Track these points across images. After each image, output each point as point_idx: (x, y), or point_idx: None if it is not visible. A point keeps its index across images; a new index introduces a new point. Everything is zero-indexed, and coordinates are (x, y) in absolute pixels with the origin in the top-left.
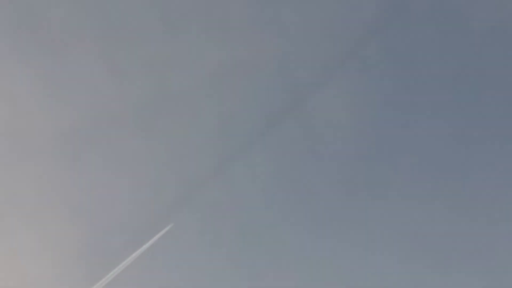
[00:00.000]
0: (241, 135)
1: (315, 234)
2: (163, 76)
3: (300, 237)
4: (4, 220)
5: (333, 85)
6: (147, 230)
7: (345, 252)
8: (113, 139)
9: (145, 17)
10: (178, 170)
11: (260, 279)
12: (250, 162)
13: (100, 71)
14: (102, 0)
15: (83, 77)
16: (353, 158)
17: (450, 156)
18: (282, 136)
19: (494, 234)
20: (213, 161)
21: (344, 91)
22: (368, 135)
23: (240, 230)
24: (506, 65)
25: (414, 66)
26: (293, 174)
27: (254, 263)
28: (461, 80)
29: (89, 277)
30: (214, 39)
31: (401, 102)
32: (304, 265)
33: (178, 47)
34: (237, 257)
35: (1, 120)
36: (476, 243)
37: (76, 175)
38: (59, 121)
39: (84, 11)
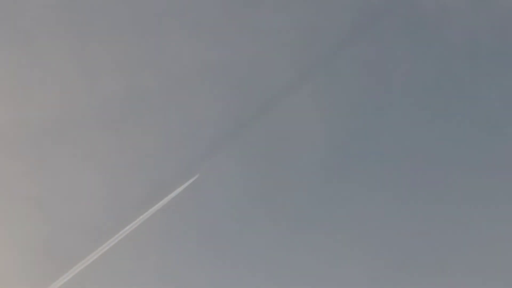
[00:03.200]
0: (209, 139)
1: (281, 242)
2: (134, 75)
3: (266, 245)
4: None
5: (304, 92)
6: (112, 229)
7: (311, 259)
8: (81, 137)
9: (117, 14)
10: (146, 171)
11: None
12: (217, 167)
13: (70, 68)
14: None
15: (52, 73)
16: (321, 166)
17: (418, 166)
18: (251, 142)
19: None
20: (180, 163)
21: (315, 98)
22: (337, 144)
23: (203, 231)
24: (480, 79)
25: (387, 77)
26: (261, 180)
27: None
28: (433, 92)
29: (48, 275)
30: (186, 39)
31: (372, 112)
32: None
33: (150, 46)
34: (195, 261)
35: None
36: (440, 249)
37: (43, 172)
38: (26, 117)
39: (54, 5)
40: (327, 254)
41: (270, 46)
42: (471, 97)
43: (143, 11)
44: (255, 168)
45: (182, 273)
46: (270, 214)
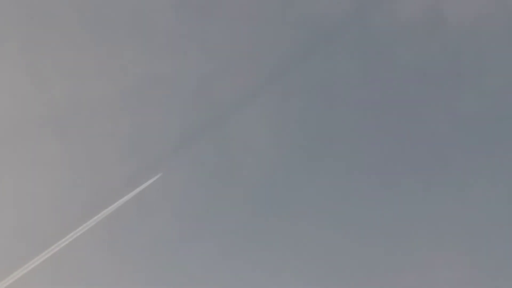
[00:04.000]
0: (155, 151)
1: (223, 255)
2: (83, 83)
3: (209, 258)
4: None
5: (252, 108)
6: (58, 233)
7: (253, 274)
8: (30, 142)
9: (69, 22)
10: (93, 178)
11: None
12: (161, 180)
13: (19, 74)
14: (25, 2)
15: (2, 79)
16: (267, 182)
17: (367, 183)
18: (198, 155)
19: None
20: (125, 172)
21: (263, 115)
22: (284, 161)
23: (144, 239)
24: (427, 100)
25: (336, 96)
26: (205, 195)
27: None
28: (381, 111)
29: None
30: (138, 50)
31: (320, 131)
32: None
33: (101, 55)
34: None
35: None
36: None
37: None
38: None
39: (5, 11)
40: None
41: (220, 62)
42: (418, 118)
43: (96, 19)
44: (203, 182)
45: (124, 279)
46: (211, 228)
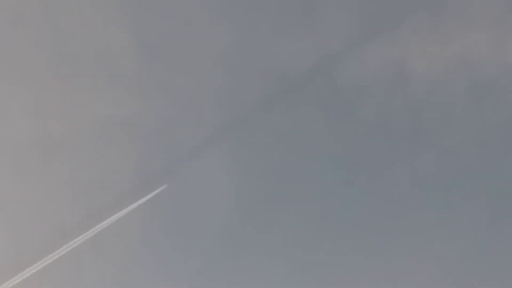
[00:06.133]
0: (115, 193)
1: None
2: (45, 122)
3: None
4: None
5: (214, 153)
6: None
7: None
8: None
9: (32, 60)
10: (47, 218)
11: None
12: (117, 222)
13: None
14: None
15: None
16: (223, 230)
17: (319, 235)
18: (157, 200)
19: None
20: (82, 213)
21: (225, 160)
22: (243, 207)
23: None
24: (390, 158)
25: (297, 147)
26: (164, 241)
27: None
28: (342, 166)
29: None
30: (102, 92)
31: (280, 181)
32: None
33: (64, 95)
34: None
35: None
36: None
37: None
38: None
39: None
40: None
41: (182, 106)
42: (380, 175)
43: (59, 58)
44: (163, 227)
45: None
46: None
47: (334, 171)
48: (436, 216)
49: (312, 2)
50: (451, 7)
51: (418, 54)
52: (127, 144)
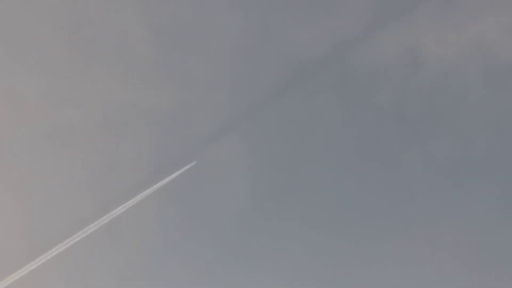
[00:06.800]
0: (129, 180)
1: None
2: (60, 110)
3: None
4: None
5: (229, 141)
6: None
7: None
8: (2, 166)
9: (48, 47)
10: (63, 205)
11: None
12: (131, 209)
13: None
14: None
15: None
16: (241, 218)
17: (335, 225)
18: (173, 188)
19: None
20: (96, 200)
21: (239, 149)
22: (258, 196)
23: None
24: (405, 143)
25: (311, 133)
26: (179, 229)
27: None
28: (357, 152)
29: None
30: (117, 79)
31: (295, 167)
32: None
33: (78, 83)
34: None
35: None
36: None
37: None
38: None
39: None
40: None
41: (197, 94)
42: (395, 161)
43: (74, 46)
44: (177, 214)
45: None
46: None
47: (349, 157)
48: (450, 202)
49: None
50: None
51: (432, 39)
52: (142, 131)
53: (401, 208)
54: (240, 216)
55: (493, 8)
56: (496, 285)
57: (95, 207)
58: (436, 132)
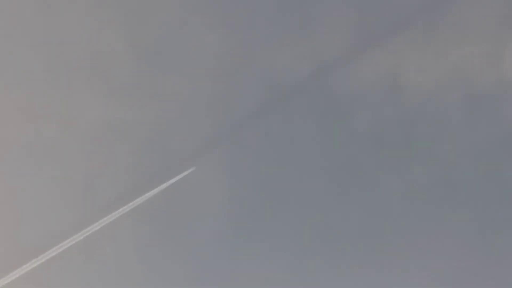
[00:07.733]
0: (106, 197)
1: None
2: (38, 125)
3: None
4: None
5: (207, 158)
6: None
7: None
8: None
9: (27, 62)
10: (40, 220)
11: None
12: (109, 225)
13: None
14: None
15: None
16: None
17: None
18: (148, 206)
19: None
20: (73, 215)
21: (218, 166)
22: (237, 214)
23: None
24: (381, 169)
25: (291, 156)
26: (153, 247)
27: None
28: (333, 175)
29: None
30: (96, 95)
31: (274, 186)
32: None
33: (59, 98)
34: None
35: None
36: None
37: None
38: None
39: None
40: None
41: (177, 111)
42: (373, 185)
43: (54, 61)
44: (154, 232)
45: None
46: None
47: (328, 181)
48: (429, 228)
49: (307, 11)
50: (447, 19)
51: (413, 65)
52: (120, 148)
53: (380, 233)
54: (218, 236)
55: (473, 36)
56: None
57: (70, 223)
58: (415, 158)
